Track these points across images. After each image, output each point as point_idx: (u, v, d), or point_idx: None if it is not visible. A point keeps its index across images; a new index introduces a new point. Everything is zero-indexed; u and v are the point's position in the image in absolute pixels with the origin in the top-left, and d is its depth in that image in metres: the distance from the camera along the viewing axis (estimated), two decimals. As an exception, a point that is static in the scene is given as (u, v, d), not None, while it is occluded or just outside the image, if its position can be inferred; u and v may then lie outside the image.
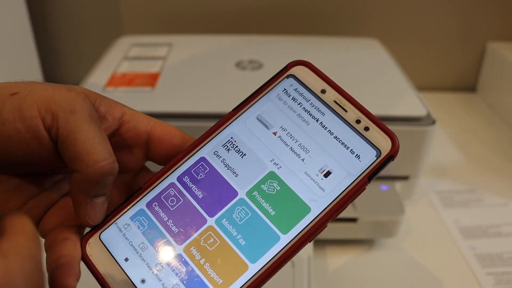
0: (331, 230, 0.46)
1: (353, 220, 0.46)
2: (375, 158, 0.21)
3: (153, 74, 0.53)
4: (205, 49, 0.59)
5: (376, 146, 0.21)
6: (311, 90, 0.23)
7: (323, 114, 0.22)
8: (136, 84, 0.50)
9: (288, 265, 0.40)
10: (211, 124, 0.24)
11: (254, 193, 0.21)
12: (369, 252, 0.48)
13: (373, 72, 0.55)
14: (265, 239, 0.20)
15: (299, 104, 0.22)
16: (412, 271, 0.46)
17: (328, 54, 0.59)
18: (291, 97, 0.23)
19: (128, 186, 0.25)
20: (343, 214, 0.47)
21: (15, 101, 0.20)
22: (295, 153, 0.22)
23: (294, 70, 0.23)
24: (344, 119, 0.22)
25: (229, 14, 0.77)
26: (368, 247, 0.49)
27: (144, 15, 0.76)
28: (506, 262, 0.47)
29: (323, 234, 0.46)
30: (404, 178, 0.50)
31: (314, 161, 0.21)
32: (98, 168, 0.20)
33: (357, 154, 0.21)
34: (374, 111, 0.48)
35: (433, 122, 0.46)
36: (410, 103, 0.48)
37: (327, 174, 0.21)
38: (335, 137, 0.22)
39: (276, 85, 0.23)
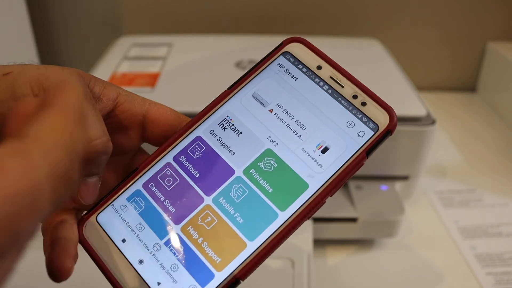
0: (331, 230, 0.46)
1: (353, 220, 0.46)
2: (373, 133, 0.21)
3: (153, 74, 0.53)
4: (205, 49, 0.59)
5: (373, 121, 0.21)
6: (306, 67, 0.22)
7: (319, 90, 0.22)
8: (136, 84, 0.50)
9: (288, 265, 0.40)
10: None
11: (251, 170, 0.21)
12: (369, 252, 0.48)
13: (373, 72, 0.55)
14: (263, 216, 0.20)
15: (295, 80, 0.22)
16: (412, 271, 0.46)
17: (328, 54, 0.59)
18: (286, 74, 0.22)
19: (124, 168, 0.24)
20: (343, 214, 0.47)
21: (8, 80, 0.20)
22: (291, 129, 0.21)
23: (289, 47, 0.23)
24: (341, 95, 0.22)
25: (229, 14, 0.77)
26: (368, 247, 0.49)
27: (144, 15, 0.76)
28: (506, 262, 0.47)
29: (323, 234, 0.46)
30: (404, 178, 0.50)
31: (311, 137, 0.21)
32: (91, 146, 0.19)
33: (354, 130, 0.21)
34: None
35: (433, 122, 0.46)
36: (410, 103, 0.48)
37: (324, 150, 0.21)
38: (332, 113, 0.21)
39: (271, 62, 0.23)
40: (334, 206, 0.47)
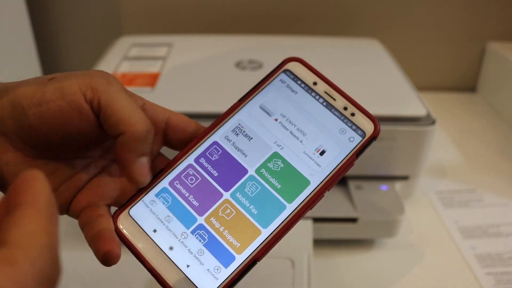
0: (331, 230, 0.46)
1: (353, 220, 0.46)
2: (361, 138, 0.25)
3: (153, 74, 0.53)
4: (205, 49, 0.59)
5: (361, 129, 0.25)
6: (304, 83, 0.26)
7: (316, 103, 0.26)
8: (136, 84, 0.50)
9: (288, 265, 0.40)
10: (210, 123, 0.27)
11: (261, 170, 0.25)
12: (369, 252, 0.48)
13: (373, 72, 0.55)
14: (274, 208, 0.24)
15: (295, 94, 0.26)
16: (412, 271, 0.46)
17: (328, 54, 0.59)
18: (288, 89, 0.26)
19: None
20: (343, 214, 0.47)
21: (55, 83, 0.23)
22: (294, 136, 0.25)
23: (289, 66, 0.27)
24: (334, 107, 0.26)
25: (229, 14, 0.77)
26: (368, 247, 0.49)
27: (144, 15, 0.76)
28: (506, 262, 0.47)
29: (323, 234, 0.46)
30: (404, 178, 0.50)
31: (310, 142, 0.25)
32: (142, 125, 0.22)
33: (346, 136, 0.25)
34: (374, 111, 0.48)
35: (433, 122, 0.46)
36: (410, 103, 0.48)
37: (322, 153, 0.25)
38: (327, 122, 0.25)
39: (274, 78, 0.26)
40: (334, 206, 0.47)
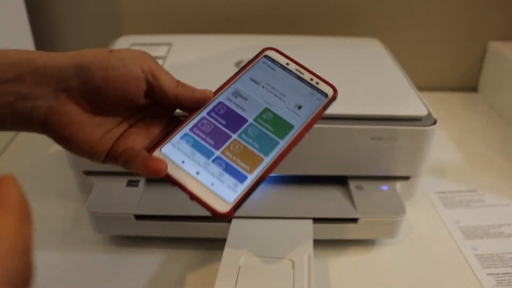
0: (332, 231, 0.46)
1: (354, 220, 0.46)
2: (325, 98, 0.34)
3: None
4: (205, 49, 0.59)
5: (325, 92, 0.35)
6: (279, 63, 0.36)
7: (290, 76, 0.36)
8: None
9: (288, 265, 0.40)
10: None
11: (258, 119, 0.33)
12: (369, 252, 0.48)
13: (374, 72, 0.55)
14: (270, 143, 0.33)
15: (274, 71, 0.36)
16: (413, 272, 0.46)
17: (329, 54, 0.59)
18: (269, 67, 0.36)
19: (165, 124, 0.34)
20: (343, 215, 0.47)
21: (117, 54, 0.30)
22: (278, 97, 0.35)
23: (267, 52, 0.37)
24: (303, 79, 0.35)
25: (229, 14, 0.77)
26: (369, 247, 0.48)
27: (144, 15, 0.76)
28: (508, 263, 0.47)
29: (324, 235, 0.46)
30: (405, 178, 0.50)
31: (290, 100, 0.34)
32: (180, 90, 0.32)
33: (315, 97, 0.35)
34: (375, 110, 0.48)
35: (434, 122, 0.46)
36: (411, 103, 0.48)
37: (299, 107, 0.34)
38: (301, 88, 0.35)
39: (258, 61, 0.36)
40: (334, 206, 0.47)
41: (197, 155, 0.31)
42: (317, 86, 0.35)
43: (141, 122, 0.33)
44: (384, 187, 0.49)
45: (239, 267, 0.40)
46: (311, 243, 0.43)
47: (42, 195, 0.55)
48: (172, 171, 0.30)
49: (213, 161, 0.31)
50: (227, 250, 0.42)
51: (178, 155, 0.31)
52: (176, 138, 0.32)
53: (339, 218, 0.46)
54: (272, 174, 0.47)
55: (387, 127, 0.45)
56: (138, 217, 0.45)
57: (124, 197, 0.46)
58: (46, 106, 0.29)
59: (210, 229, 0.46)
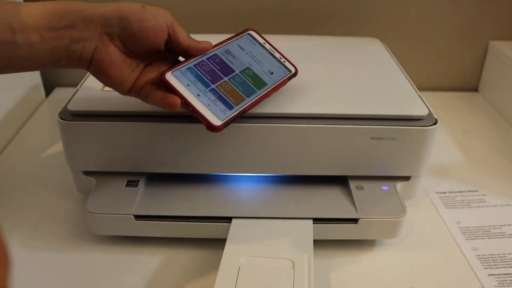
0: (332, 231, 0.46)
1: (354, 220, 0.45)
2: (289, 73, 0.47)
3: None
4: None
5: (289, 69, 0.47)
6: (258, 41, 0.48)
7: (266, 52, 0.48)
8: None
9: (288, 266, 0.40)
10: None
11: (242, 72, 0.44)
12: (370, 253, 0.48)
13: (375, 72, 0.55)
14: (250, 90, 0.43)
15: (254, 45, 0.48)
16: (413, 272, 0.46)
17: (329, 53, 0.59)
18: (251, 42, 0.48)
19: (172, 63, 0.43)
20: (344, 215, 0.47)
21: (149, 9, 0.38)
22: (256, 62, 0.46)
23: (249, 32, 0.48)
24: (275, 56, 0.48)
25: (228, 14, 0.77)
26: (369, 247, 0.48)
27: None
28: (509, 263, 0.47)
29: (324, 235, 0.46)
30: (406, 178, 0.49)
31: (264, 67, 0.46)
32: (190, 41, 0.41)
33: (282, 69, 0.47)
34: (375, 110, 0.47)
35: (435, 122, 0.46)
36: (411, 102, 0.48)
37: (271, 73, 0.46)
38: (273, 61, 0.47)
39: (243, 35, 0.48)
40: (335, 206, 0.46)
41: (198, 84, 0.41)
42: (284, 63, 0.47)
43: (155, 62, 0.41)
44: (385, 187, 0.48)
45: (239, 267, 0.40)
46: (311, 243, 0.43)
47: (41, 195, 0.55)
48: (177, 87, 0.39)
49: (209, 90, 0.41)
50: (227, 250, 0.42)
51: (184, 79, 0.40)
52: (183, 68, 0.41)
53: (339, 218, 0.46)
54: (272, 174, 0.50)
55: (387, 127, 0.45)
56: (138, 217, 0.45)
57: (123, 197, 0.46)
58: (93, 47, 0.37)
59: (210, 229, 0.46)
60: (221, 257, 0.41)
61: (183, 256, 0.47)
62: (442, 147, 0.67)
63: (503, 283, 0.44)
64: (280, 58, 0.47)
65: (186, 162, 0.47)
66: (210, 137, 0.45)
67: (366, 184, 0.48)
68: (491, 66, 0.81)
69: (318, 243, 0.46)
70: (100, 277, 0.44)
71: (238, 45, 0.47)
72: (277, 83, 0.45)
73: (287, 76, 0.46)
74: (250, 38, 0.48)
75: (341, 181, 0.50)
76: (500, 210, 0.54)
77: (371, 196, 0.47)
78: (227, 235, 0.43)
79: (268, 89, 0.44)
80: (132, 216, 0.45)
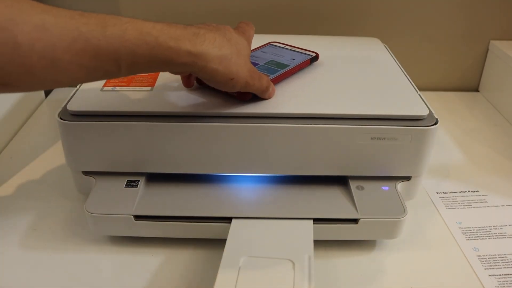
0: (332, 231, 0.46)
1: (354, 221, 0.45)
2: (311, 56, 0.55)
3: (152, 74, 0.52)
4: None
5: (310, 54, 0.55)
6: (280, 46, 0.58)
7: (286, 50, 0.57)
8: (135, 84, 0.50)
9: (288, 266, 0.40)
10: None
11: (266, 64, 0.52)
12: (370, 253, 0.48)
13: (375, 71, 0.55)
14: (274, 70, 0.51)
15: (275, 48, 0.57)
16: (414, 273, 0.45)
17: (329, 53, 0.59)
18: (273, 47, 0.58)
19: None
20: (344, 215, 0.47)
21: (233, 81, 0.42)
22: (279, 56, 0.55)
23: (271, 43, 0.59)
24: (296, 50, 0.57)
25: (229, 14, 0.76)
26: (370, 248, 0.48)
27: (144, 15, 0.76)
28: (510, 264, 0.47)
29: (324, 235, 0.46)
30: (406, 178, 0.49)
31: (287, 57, 0.54)
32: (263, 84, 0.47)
33: (304, 55, 0.55)
34: (376, 110, 0.47)
35: (435, 122, 0.46)
36: (412, 102, 0.48)
37: (293, 59, 0.54)
38: (294, 53, 0.56)
39: (268, 45, 0.59)
40: (335, 206, 0.46)
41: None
42: (305, 52, 0.56)
43: None
44: (385, 187, 0.48)
45: (239, 268, 0.40)
46: (311, 244, 0.43)
47: (41, 195, 0.55)
48: None
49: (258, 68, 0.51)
50: (227, 250, 0.42)
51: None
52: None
53: (339, 219, 0.46)
54: (272, 174, 0.50)
55: (388, 127, 0.45)
56: (138, 217, 0.45)
57: (123, 197, 0.46)
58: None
59: (210, 229, 0.46)
60: (221, 257, 0.41)
61: (183, 256, 0.47)
62: (443, 147, 0.67)
63: (504, 284, 0.44)
64: (301, 50, 0.56)
65: (185, 162, 0.47)
66: (210, 137, 0.45)
67: (367, 184, 0.48)
68: (492, 66, 0.81)
69: (318, 243, 0.46)
70: (99, 277, 0.44)
71: (261, 51, 0.56)
72: (299, 63, 0.52)
73: (308, 58, 0.54)
74: (272, 46, 0.58)
75: (341, 181, 0.49)
76: (501, 210, 0.54)
77: (372, 196, 0.47)
78: (227, 235, 0.43)
79: (291, 68, 0.51)
80: (132, 217, 0.45)
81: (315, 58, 0.54)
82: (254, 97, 0.46)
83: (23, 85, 0.33)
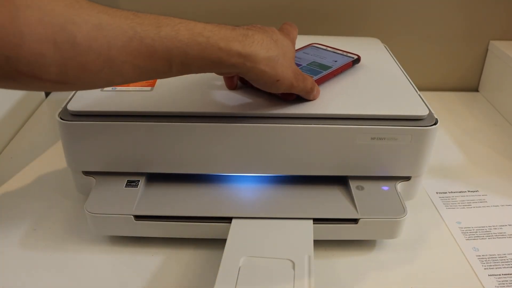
0: (332, 231, 0.46)
1: (354, 220, 0.45)
2: (353, 58, 0.55)
3: (152, 73, 0.52)
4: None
5: (352, 56, 0.55)
6: (321, 48, 0.58)
7: (328, 52, 0.57)
8: (135, 84, 0.50)
9: (288, 266, 0.40)
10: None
11: (308, 65, 0.53)
12: (370, 253, 0.48)
13: (375, 71, 0.55)
14: (318, 72, 0.51)
15: (317, 50, 0.58)
16: (414, 273, 0.45)
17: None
18: (315, 49, 0.58)
19: None
20: (344, 215, 0.47)
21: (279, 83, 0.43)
22: (321, 58, 0.55)
23: (313, 44, 0.60)
24: (338, 52, 0.57)
25: (229, 14, 0.76)
26: (369, 248, 0.48)
27: (144, 14, 0.76)
28: (509, 264, 0.47)
29: (324, 235, 0.46)
30: (406, 178, 0.49)
31: (329, 59, 0.55)
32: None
33: (346, 57, 0.55)
34: (376, 110, 0.47)
35: (435, 122, 0.46)
36: (412, 102, 0.48)
37: (335, 61, 0.54)
38: (338, 55, 0.56)
39: (310, 46, 0.59)
40: (335, 206, 0.46)
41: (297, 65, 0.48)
42: (347, 54, 0.56)
43: None
44: (385, 187, 0.48)
45: (239, 268, 0.40)
46: (311, 244, 0.43)
47: (41, 195, 0.55)
48: None
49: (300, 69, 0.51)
50: (227, 250, 0.42)
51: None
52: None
53: (339, 219, 0.46)
54: (272, 174, 0.50)
55: (388, 127, 0.45)
56: (138, 217, 0.45)
57: (123, 197, 0.46)
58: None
59: (210, 229, 0.46)
60: (221, 257, 0.41)
61: (183, 256, 0.47)
62: (443, 147, 0.67)
63: (504, 284, 0.44)
64: (343, 52, 0.56)
65: (186, 162, 0.47)
66: (210, 137, 0.45)
67: (367, 184, 0.48)
68: (491, 66, 0.81)
69: (318, 243, 0.46)
70: (100, 277, 0.44)
71: (303, 52, 0.56)
72: (341, 65, 0.52)
73: (350, 60, 0.54)
74: (314, 48, 0.58)
75: (341, 181, 0.49)
76: (501, 210, 0.54)
77: (372, 196, 0.47)
78: (227, 235, 0.43)
79: (334, 69, 0.51)
80: (132, 216, 0.45)
81: (357, 60, 0.54)
82: (268, 98, 0.47)
83: (79, 83, 0.33)
